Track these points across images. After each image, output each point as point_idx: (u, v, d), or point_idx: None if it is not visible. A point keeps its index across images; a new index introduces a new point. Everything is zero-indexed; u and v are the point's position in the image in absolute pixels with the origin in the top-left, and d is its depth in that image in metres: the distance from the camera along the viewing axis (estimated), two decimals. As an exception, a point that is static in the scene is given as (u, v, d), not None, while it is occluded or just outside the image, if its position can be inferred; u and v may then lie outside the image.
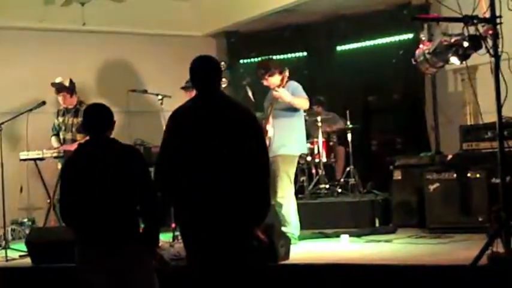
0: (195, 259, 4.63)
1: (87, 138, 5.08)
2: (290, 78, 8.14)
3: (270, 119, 7.99)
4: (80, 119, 8.90)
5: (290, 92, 7.93)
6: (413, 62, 6.91)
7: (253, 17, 11.17)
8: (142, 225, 5.00)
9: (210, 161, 4.50)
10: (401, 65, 10.76)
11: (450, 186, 8.19)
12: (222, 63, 10.63)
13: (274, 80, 8.02)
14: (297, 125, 8.14)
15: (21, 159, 8.95)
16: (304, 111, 8.42)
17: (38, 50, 10.68)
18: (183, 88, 8.79)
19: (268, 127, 7.91)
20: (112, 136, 5.11)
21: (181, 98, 8.19)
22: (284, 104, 7.93)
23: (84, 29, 10.10)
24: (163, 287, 5.15)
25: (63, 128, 9.13)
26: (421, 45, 7.02)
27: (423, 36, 7.75)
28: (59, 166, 8.93)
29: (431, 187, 8.30)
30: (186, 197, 4.55)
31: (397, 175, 9.14)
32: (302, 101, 8.00)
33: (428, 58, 6.69)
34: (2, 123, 8.33)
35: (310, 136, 9.87)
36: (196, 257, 4.61)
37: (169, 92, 9.05)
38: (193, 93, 8.04)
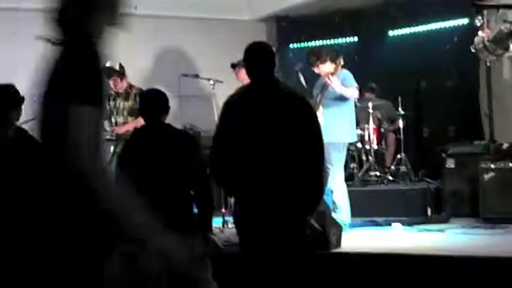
0: (249, 245, 4.65)
1: (139, 120, 5.12)
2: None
3: (320, 107, 7.95)
4: (130, 102, 8.94)
5: (340, 80, 7.89)
6: (472, 50, 6.79)
7: (304, 1, 11.08)
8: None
9: (265, 148, 4.50)
10: (455, 51, 10.60)
11: (506, 175, 8.06)
12: (272, 48, 10.66)
13: (325, 67, 7.98)
14: (347, 112, 8.13)
15: (73, 141, 8.99)
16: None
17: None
18: (232, 66, 8.73)
19: (318, 114, 7.85)
20: (166, 117, 5.19)
21: (233, 83, 8.24)
22: (334, 91, 7.88)
23: (136, 13, 10.05)
24: (216, 271, 5.17)
25: (114, 111, 9.12)
26: (479, 32, 6.90)
27: (478, 22, 7.62)
28: (111, 149, 8.99)
29: (486, 176, 8.18)
30: (240, 184, 4.56)
31: (450, 163, 9.00)
32: (352, 91, 7.97)
33: (487, 45, 6.59)
34: None
35: (360, 122, 9.79)
36: (250, 243, 4.63)
37: (220, 77, 9.05)
38: (242, 71, 8.26)
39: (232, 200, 7.04)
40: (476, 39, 6.85)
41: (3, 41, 10.07)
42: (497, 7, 6.91)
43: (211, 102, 8.82)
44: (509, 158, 8.12)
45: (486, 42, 6.67)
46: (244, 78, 8.13)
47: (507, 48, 6.60)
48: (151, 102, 5.14)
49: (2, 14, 10.12)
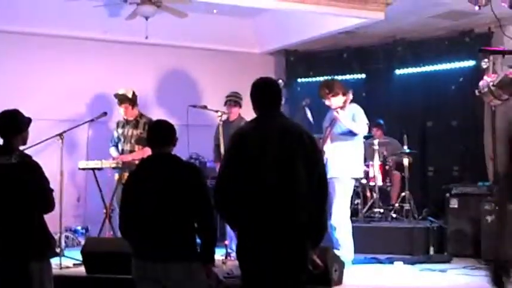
0: (250, 279, 4.63)
1: (146, 149, 5.17)
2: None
3: (328, 140, 7.99)
4: (139, 131, 9.02)
5: (351, 115, 7.95)
6: (477, 93, 6.85)
7: (313, 37, 11.17)
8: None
9: (269, 182, 4.51)
10: (461, 92, 10.69)
11: (508, 218, 8.05)
12: (280, 81, 10.74)
13: (336, 100, 8.02)
14: (355, 148, 8.13)
15: (79, 168, 9.05)
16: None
17: (100, 61, 10.87)
18: (225, 103, 9.00)
19: (326, 148, 7.90)
20: (173, 149, 5.20)
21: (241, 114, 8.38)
22: (343, 126, 7.93)
23: (147, 42, 10.21)
24: None
25: (122, 139, 9.20)
26: (485, 76, 6.95)
27: (484, 64, 7.68)
28: (116, 177, 9.03)
29: (489, 218, 8.23)
30: (243, 217, 4.58)
31: (454, 203, 9.07)
32: (361, 127, 8.01)
33: (493, 90, 6.63)
34: (64, 131, 8.48)
35: (366, 159, 9.84)
36: (251, 277, 4.62)
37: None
38: (232, 108, 8.57)
39: (233, 232, 7.08)
40: (481, 83, 6.89)
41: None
42: (503, 53, 6.98)
43: (218, 132, 8.84)
44: (512, 200, 8.14)
45: (491, 87, 6.71)
46: (234, 115, 8.39)
47: (512, 94, 6.64)
48: (159, 133, 5.17)
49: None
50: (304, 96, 9.09)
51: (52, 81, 10.50)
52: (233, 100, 8.97)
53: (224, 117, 8.90)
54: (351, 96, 7.99)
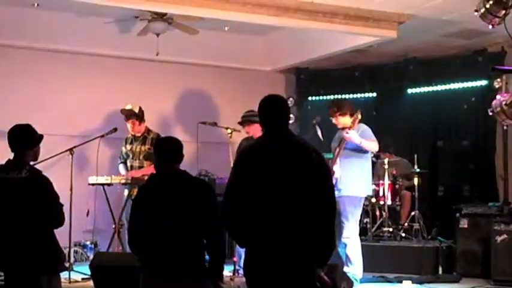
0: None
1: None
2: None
3: (338, 160, 7.99)
4: (147, 147, 9.02)
5: (360, 134, 7.95)
6: (490, 113, 6.81)
7: (324, 55, 11.16)
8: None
9: (277, 200, 4.48)
10: (473, 112, 10.66)
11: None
12: (290, 99, 10.75)
13: (344, 120, 8.07)
14: (364, 166, 8.17)
15: (89, 184, 9.04)
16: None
17: (111, 77, 10.88)
18: (239, 123, 8.83)
19: (335, 167, 7.91)
20: (180, 165, 5.19)
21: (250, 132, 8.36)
22: (352, 145, 7.94)
23: (158, 59, 10.23)
24: None
25: (130, 155, 9.20)
26: (498, 96, 6.91)
27: (497, 84, 7.66)
28: (125, 193, 9.02)
29: (499, 238, 8.22)
30: (251, 235, 4.53)
31: (464, 223, 9.04)
32: (372, 144, 8.05)
33: (505, 109, 6.59)
34: (74, 147, 8.51)
35: (376, 178, 9.82)
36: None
37: (238, 125, 9.06)
38: (251, 127, 8.32)
39: (241, 249, 7.05)
40: (494, 102, 6.85)
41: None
42: (516, 72, 6.97)
43: (228, 149, 8.88)
44: (523, 221, 8.15)
45: (504, 106, 6.67)
46: (254, 132, 8.29)
47: (525, 113, 6.59)
48: (166, 151, 5.18)
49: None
50: (315, 115, 9.11)
51: (63, 97, 10.52)
52: (247, 119, 8.72)
53: (243, 134, 8.84)
54: (359, 117, 7.99)
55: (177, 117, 11.34)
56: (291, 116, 9.19)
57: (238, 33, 11.05)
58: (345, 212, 7.83)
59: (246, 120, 8.64)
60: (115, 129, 9.09)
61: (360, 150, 8.00)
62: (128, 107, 9.24)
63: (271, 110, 4.74)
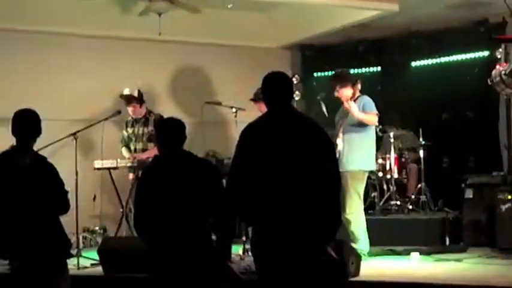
0: (265, 274, 4.67)
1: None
2: (364, 92, 8.22)
3: (340, 133, 8.04)
4: (150, 128, 9.04)
5: (361, 106, 8.00)
6: (489, 82, 6.88)
7: (328, 30, 11.17)
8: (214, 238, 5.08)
9: (282, 177, 4.53)
10: (476, 83, 10.62)
11: None
12: (296, 76, 10.75)
13: (345, 92, 8.09)
14: (367, 141, 8.19)
15: (95, 168, 9.06)
16: (377, 126, 8.48)
17: (113, 59, 10.77)
18: (252, 100, 8.75)
19: (338, 141, 7.95)
20: (186, 147, 5.21)
21: (255, 110, 8.35)
22: (354, 117, 7.98)
23: (160, 39, 10.18)
24: None
25: (133, 138, 9.22)
26: (497, 66, 6.98)
27: (499, 54, 7.69)
28: (131, 176, 9.05)
29: (503, 207, 8.27)
30: (257, 213, 4.60)
31: (469, 194, 9.10)
32: (370, 117, 8.05)
33: (504, 79, 6.66)
34: (78, 131, 8.44)
35: (382, 152, 9.89)
36: (267, 272, 4.65)
37: (243, 103, 9.11)
38: (263, 104, 8.29)
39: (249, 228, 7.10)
40: (493, 72, 6.93)
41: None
42: (513, 41, 7.01)
43: (233, 129, 8.83)
44: (527, 189, 8.21)
45: (503, 76, 6.75)
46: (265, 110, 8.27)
47: (523, 82, 6.67)
48: (168, 132, 5.18)
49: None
50: (320, 91, 9.14)
51: (65, 80, 10.42)
52: (259, 97, 8.71)
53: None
54: (359, 87, 8.05)
55: (181, 97, 11.27)
56: (297, 93, 9.29)
57: (241, 11, 11.02)
58: (348, 187, 7.85)
59: (259, 97, 8.42)
60: (119, 112, 9.12)
61: (362, 124, 8.02)
62: (126, 91, 9.23)
63: (274, 87, 4.80)
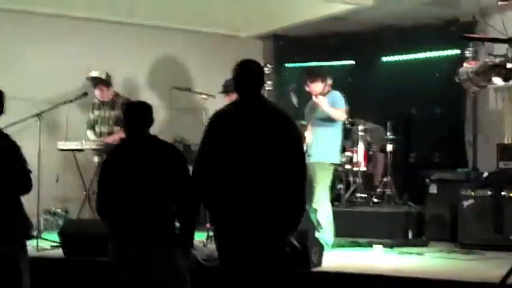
0: (228, 262, 4.71)
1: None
2: (335, 85, 8.32)
3: (309, 126, 8.13)
4: (116, 112, 8.94)
5: (330, 101, 8.11)
6: (457, 80, 6.97)
7: (302, 22, 11.17)
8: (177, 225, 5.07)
9: (247, 165, 4.58)
10: (444, 80, 10.73)
11: (484, 203, 8.28)
12: (268, 66, 10.75)
13: (315, 87, 8.21)
14: (334, 134, 8.33)
15: (59, 149, 8.97)
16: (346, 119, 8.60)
17: (82, 40, 10.49)
18: (221, 93, 8.72)
19: (307, 133, 8.04)
20: (154, 132, 5.19)
21: (225, 98, 8.39)
22: (324, 113, 8.08)
23: (132, 22, 10.07)
24: (196, 287, 5.24)
25: (99, 121, 9.14)
26: (465, 64, 7.07)
27: (469, 53, 7.79)
28: (95, 159, 8.99)
29: (466, 203, 8.39)
30: (222, 201, 4.63)
31: (433, 189, 9.23)
32: (338, 113, 8.17)
33: (471, 77, 6.76)
34: (43, 112, 8.37)
35: (350, 144, 9.96)
36: (229, 260, 4.70)
37: (213, 91, 9.02)
38: (233, 96, 8.30)
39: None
40: (461, 70, 7.03)
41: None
42: (483, 40, 7.12)
43: (202, 115, 8.77)
44: (489, 186, 8.33)
45: (470, 74, 6.84)
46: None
47: (490, 80, 6.77)
48: (135, 115, 5.15)
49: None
50: (292, 82, 9.19)
51: (31, 60, 10.13)
52: (229, 88, 8.42)
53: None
54: (329, 83, 8.13)
55: (151, 83, 11.11)
56: (268, 82, 9.34)
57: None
58: (315, 177, 7.96)
59: (229, 89, 8.44)
60: (85, 94, 9.03)
61: (328, 119, 8.14)
62: (94, 73, 9.13)
63: (244, 75, 4.82)
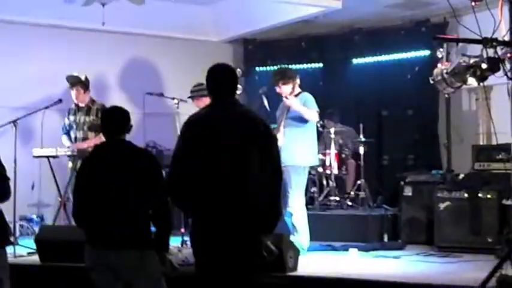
0: (203, 266, 4.64)
1: (100, 136, 5.14)
2: (305, 89, 8.27)
3: (281, 128, 8.05)
4: (91, 117, 8.92)
5: (302, 102, 8.06)
6: (431, 81, 6.91)
7: (272, 25, 11.18)
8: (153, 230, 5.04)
9: (223, 169, 4.51)
10: (416, 82, 10.76)
11: (460, 205, 8.25)
12: (238, 70, 10.67)
13: (287, 88, 8.11)
14: (308, 136, 8.23)
15: (34, 156, 8.97)
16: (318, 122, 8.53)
17: (55, 48, 10.67)
18: (190, 97, 8.72)
19: (279, 135, 7.93)
20: (126, 137, 5.17)
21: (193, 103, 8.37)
22: (296, 114, 8.02)
23: (104, 29, 10.10)
24: None
25: (74, 126, 9.07)
26: (439, 65, 7.01)
27: (440, 54, 7.75)
28: (70, 165, 8.94)
29: (442, 205, 8.35)
30: (197, 205, 4.56)
31: (408, 191, 9.17)
32: (312, 113, 8.08)
33: (446, 78, 6.69)
34: (18, 118, 8.43)
35: (322, 147, 9.91)
36: (205, 264, 4.62)
37: (185, 95, 8.98)
38: (201, 100, 8.26)
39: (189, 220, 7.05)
40: (435, 71, 6.95)
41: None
42: (457, 41, 7.09)
43: (175, 120, 8.80)
44: (465, 188, 8.30)
45: (444, 75, 6.77)
46: (201, 105, 8.23)
47: (465, 81, 6.71)
48: (113, 121, 5.12)
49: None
50: (262, 85, 9.12)
51: (5, 67, 10.24)
52: (197, 94, 8.52)
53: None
54: (298, 82, 8.08)
55: (123, 88, 11.23)
56: (239, 86, 9.23)
57: (185, 3, 10.98)
58: (290, 181, 7.86)
59: (195, 95, 8.54)
60: (60, 101, 9.00)
61: (303, 120, 8.05)
62: (74, 73, 9.14)
63: (218, 79, 4.75)
